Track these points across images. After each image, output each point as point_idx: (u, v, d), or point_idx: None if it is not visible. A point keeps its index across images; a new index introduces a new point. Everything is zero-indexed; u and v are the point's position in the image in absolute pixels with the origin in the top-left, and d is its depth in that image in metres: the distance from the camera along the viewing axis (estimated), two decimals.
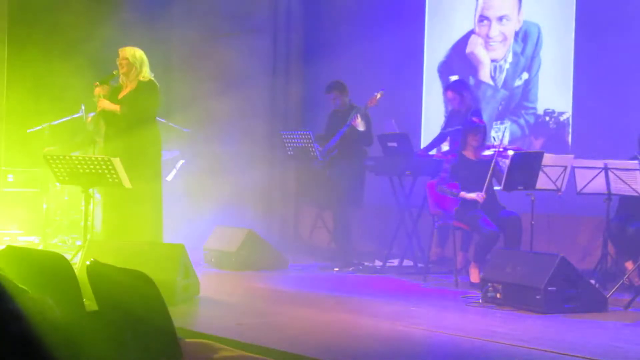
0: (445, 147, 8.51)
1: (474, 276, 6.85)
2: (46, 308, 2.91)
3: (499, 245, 6.93)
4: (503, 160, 6.91)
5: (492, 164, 6.84)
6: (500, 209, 7.08)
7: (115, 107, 6.85)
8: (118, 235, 6.78)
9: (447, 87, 8.18)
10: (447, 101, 8.24)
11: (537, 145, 8.55)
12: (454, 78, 8.20)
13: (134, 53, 6.94)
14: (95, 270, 3.46)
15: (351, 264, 8.05)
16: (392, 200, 8.06)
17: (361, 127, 8.29)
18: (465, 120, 7.45)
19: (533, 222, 6.63)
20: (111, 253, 5.81)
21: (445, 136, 8.35)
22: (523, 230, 6.86)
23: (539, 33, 8.69)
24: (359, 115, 8.27)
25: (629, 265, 6.86)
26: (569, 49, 8.38)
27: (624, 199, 7.00)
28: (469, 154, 7.19)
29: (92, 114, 8.52)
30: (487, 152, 7.09)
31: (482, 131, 7.18)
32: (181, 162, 10.03)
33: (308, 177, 8.86)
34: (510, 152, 7.00)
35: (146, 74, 6.96)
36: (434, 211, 7.39)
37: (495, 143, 7.16)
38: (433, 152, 8.45)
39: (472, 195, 6.95)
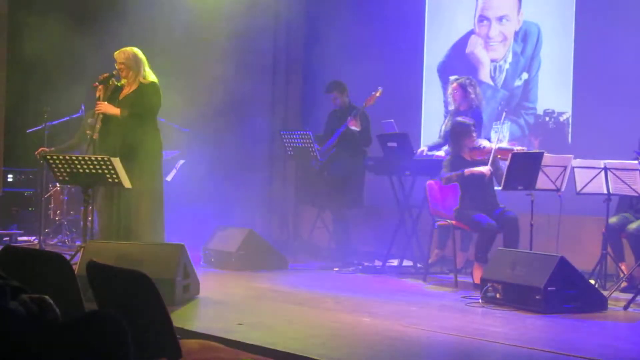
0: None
1: (478, 277, 6.71)
2: (46, 308, 2.91)
3: (498, 245, 6.92)
4: (503, 159, 6.90)
5: (491, 159, 6.83)
6: (499, 209, 7.07)
7: (116, 111, 6.82)
8: (119, 236, 6.78)
9: (454, 79, 8.11)
10: (450, 94, 8.14)
11: (536, 145, 8.55)
12: (453, 78, 8.17)
13: (129, 55, 6.88)
14: (95, 270, 3.46)
15: (351, 263, 8.05)
16: (392, 200, 8.06)
17: (357, 127, 8.29)
18: (453, 123, 7.37)
19: (532, 222, 6.62)
20: (111, 253, 5.81)
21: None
22: (522, 230, 6.86)
23: (539, 33, 8.69)
24: (355, 116, 8.27)
25: (623, 266, 6.87)
26: (569, 49, 8.38)
27: (624, 199, 7.01)
28: (465, 155, 7.17)
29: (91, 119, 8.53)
30: (485, 156, 7.02)
31: (473, 129, 7.14)
32: (181, 162, 10.03)
33: (308, 177, 8.86)
34: (504, 144, 7.02)
35: (146, 73, 6.92)
36: (434, 211, 7.39)
37: (489, 145, 7.07)
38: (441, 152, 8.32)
39: (479, 169, 6.92)
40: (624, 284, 6.60)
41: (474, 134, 7.13)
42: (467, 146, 7.12)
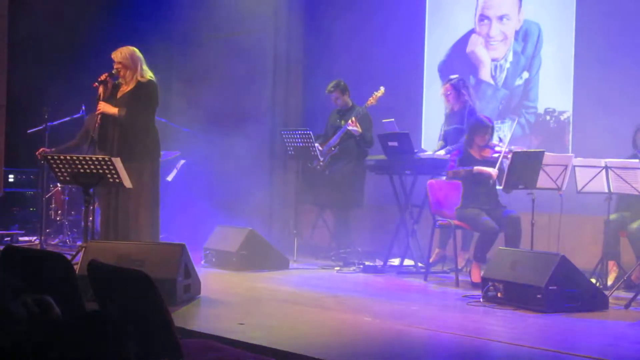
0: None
1: (476, 276, 6.82)
2: (46, 308, 2.91)
3: (499, 245, 6.92)
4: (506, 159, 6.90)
5: (499, 162, 6.85)
6: (501, 208, 7.08)
7: (114, 111, 6.82)
8: (117, 235, 6.78)
9: (447, 80, 8.14)
10: (442, 95, 8.15)
11: (537, 144, 8.54)
12: (453, 77, 8.17)
13: (126, 54, 6.88)
14: (96, 270, 3.46)
15: (352, 263, 8.05)
16: (393, 200, 8.06)
17: (358, 128, 8.28)
18: (475, 118, 7.37)
19: (534, 222, 6.62)
20: (112, 253, 5.82)
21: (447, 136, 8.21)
22: (523, 229, 6.86)
23: (540, 32, 8.68)
24: (354, 119, 8.26)
25: (611, 264, 6.87)
26: (570, 48, 8.38)
27: (623, 198, 7.01)
28: (474, 152, 7.18)
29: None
30: (495, 154, 7.05)
31: (490, 131, 7.16)
32: (182, 162, 10.04)
33: (308, 176, 8.86)
34: (517, 148, 7.02)
35: (144, 71, 6.91)
36: (435, 210, 7.39)
37: (500, 146, 7.08)
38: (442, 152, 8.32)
39: (488, 170, 6.92)
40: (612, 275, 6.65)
41: (487, 136, 7.13)
42: (476, 143, 7.13)
